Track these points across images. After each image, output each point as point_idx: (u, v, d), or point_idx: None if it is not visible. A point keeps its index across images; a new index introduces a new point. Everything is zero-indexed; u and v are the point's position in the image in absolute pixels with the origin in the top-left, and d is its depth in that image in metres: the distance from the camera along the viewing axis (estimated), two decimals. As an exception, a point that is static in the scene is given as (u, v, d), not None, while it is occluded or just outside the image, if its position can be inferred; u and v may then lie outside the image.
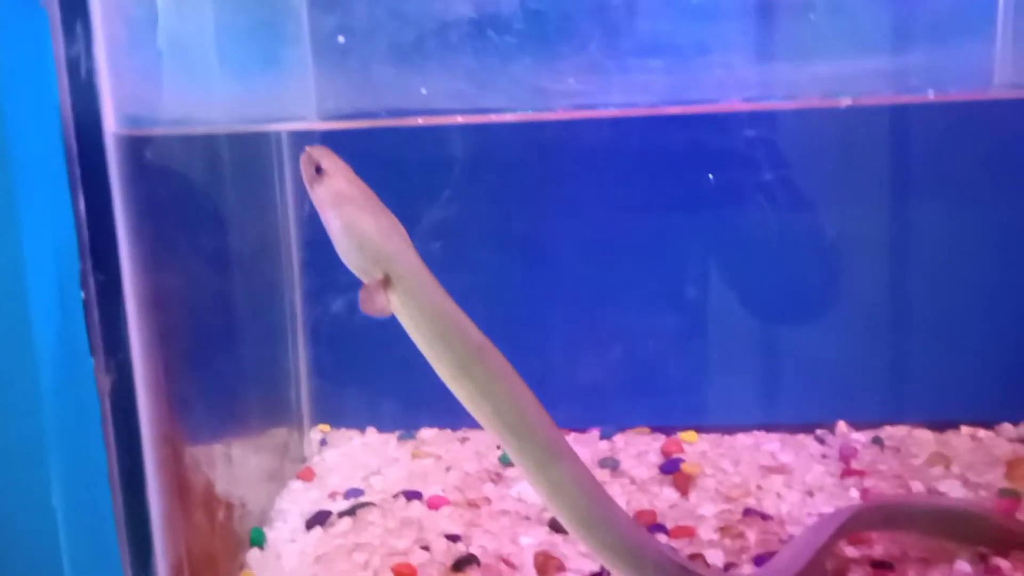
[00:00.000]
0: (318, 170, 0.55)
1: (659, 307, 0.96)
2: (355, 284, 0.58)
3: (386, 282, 0.54)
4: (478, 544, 0.74)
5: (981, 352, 0.95)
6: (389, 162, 0.86)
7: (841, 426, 0.97)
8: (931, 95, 0.77)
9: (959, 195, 0.93)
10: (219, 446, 0.68)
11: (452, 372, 0.56)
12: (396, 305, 0.55)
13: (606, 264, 0.97)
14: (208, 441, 0.66)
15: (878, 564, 0.70)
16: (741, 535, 0.75)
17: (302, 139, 0.82)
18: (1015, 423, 0.93)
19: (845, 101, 0.78)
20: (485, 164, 0.91)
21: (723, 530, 0.76)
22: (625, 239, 0.96)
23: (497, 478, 0.87)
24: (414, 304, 0.55)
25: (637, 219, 0.95)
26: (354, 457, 0.93)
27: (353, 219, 0.54)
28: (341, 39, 0.72)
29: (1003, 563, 0.69)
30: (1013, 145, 0.91)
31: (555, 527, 0.76)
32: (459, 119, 0.81)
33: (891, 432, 0.94)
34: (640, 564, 0.58)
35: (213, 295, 0.72)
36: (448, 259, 0.76)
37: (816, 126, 0.92)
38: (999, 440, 0.90)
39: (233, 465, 0.71)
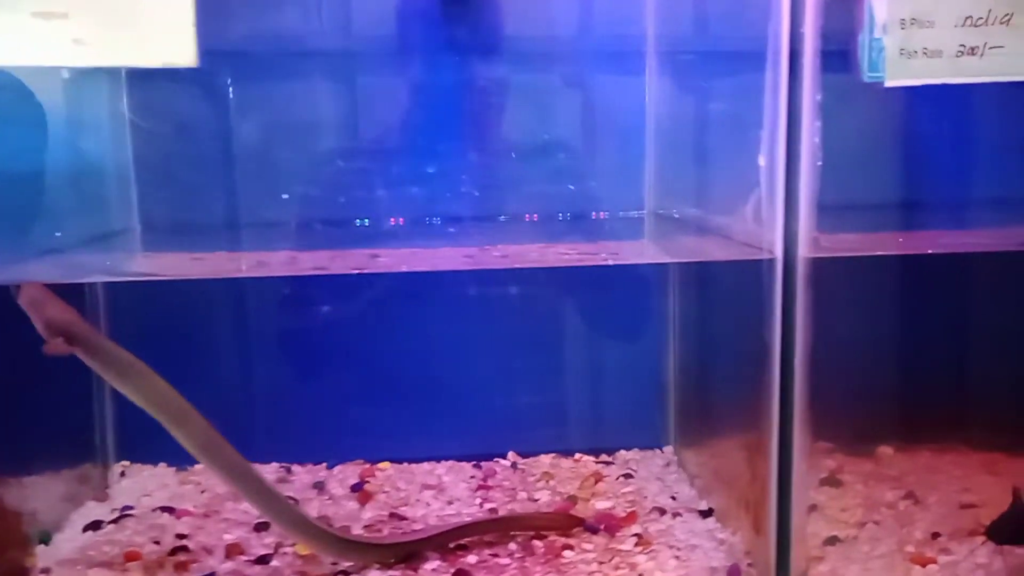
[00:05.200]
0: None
1: (375, 381, 1.33)
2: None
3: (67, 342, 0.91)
4: (196, 540, 1.08)
5: (598, 402, 1.35)
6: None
7: (511, 455, 1.34)
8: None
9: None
10: (26, 480, 1.05)
11: (115, 377, 0.92)
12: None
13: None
14: (17, 476, 1.02)
15: (461, 547, 1.07)
16: (379, 530, 1.11)
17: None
18: (605, 453, 1.32)
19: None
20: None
21: (368, 527, 1.11)
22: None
23: (236, 497, 1.22)
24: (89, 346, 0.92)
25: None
26: (141, 484, 1.27)
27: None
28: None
29: (536, 543, 1.06)
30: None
31: (256, 528, 1.12)
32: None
33: (529, 460, 1.31)
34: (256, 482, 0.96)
35: (43, 389, 1.08)
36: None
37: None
38: (590, 463, 1.29)
39: (35, 489, 1.07)
